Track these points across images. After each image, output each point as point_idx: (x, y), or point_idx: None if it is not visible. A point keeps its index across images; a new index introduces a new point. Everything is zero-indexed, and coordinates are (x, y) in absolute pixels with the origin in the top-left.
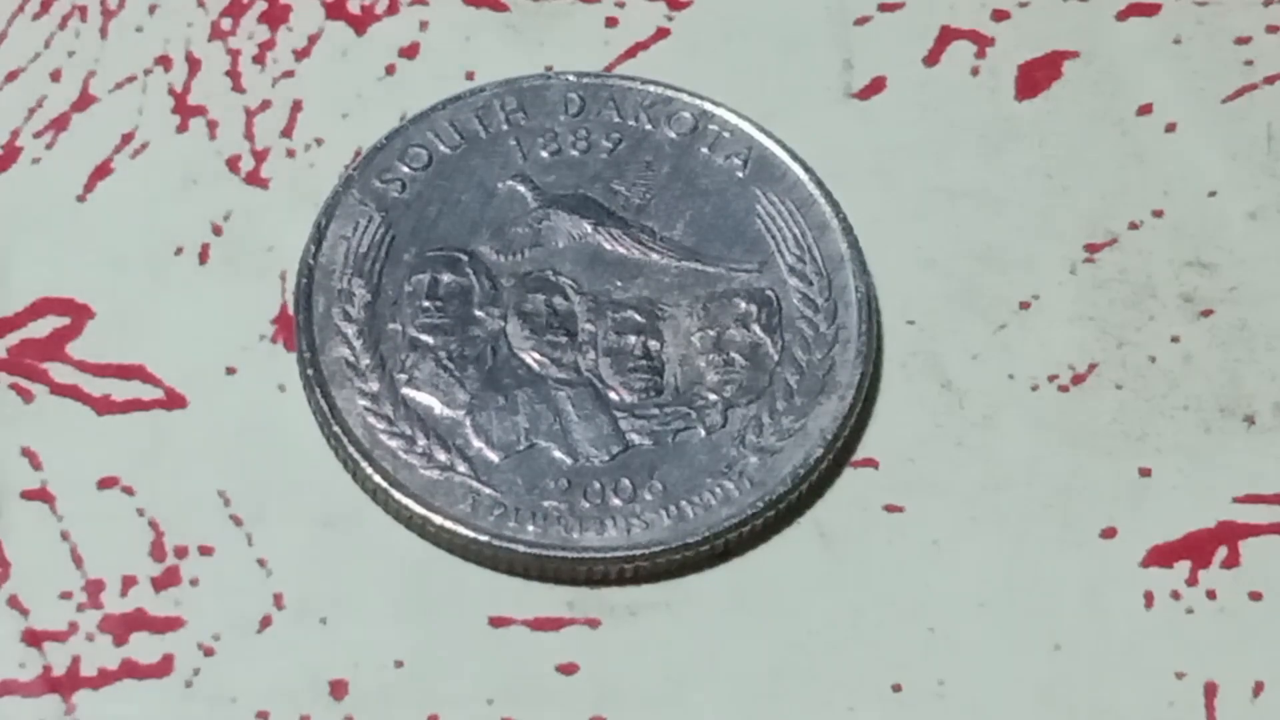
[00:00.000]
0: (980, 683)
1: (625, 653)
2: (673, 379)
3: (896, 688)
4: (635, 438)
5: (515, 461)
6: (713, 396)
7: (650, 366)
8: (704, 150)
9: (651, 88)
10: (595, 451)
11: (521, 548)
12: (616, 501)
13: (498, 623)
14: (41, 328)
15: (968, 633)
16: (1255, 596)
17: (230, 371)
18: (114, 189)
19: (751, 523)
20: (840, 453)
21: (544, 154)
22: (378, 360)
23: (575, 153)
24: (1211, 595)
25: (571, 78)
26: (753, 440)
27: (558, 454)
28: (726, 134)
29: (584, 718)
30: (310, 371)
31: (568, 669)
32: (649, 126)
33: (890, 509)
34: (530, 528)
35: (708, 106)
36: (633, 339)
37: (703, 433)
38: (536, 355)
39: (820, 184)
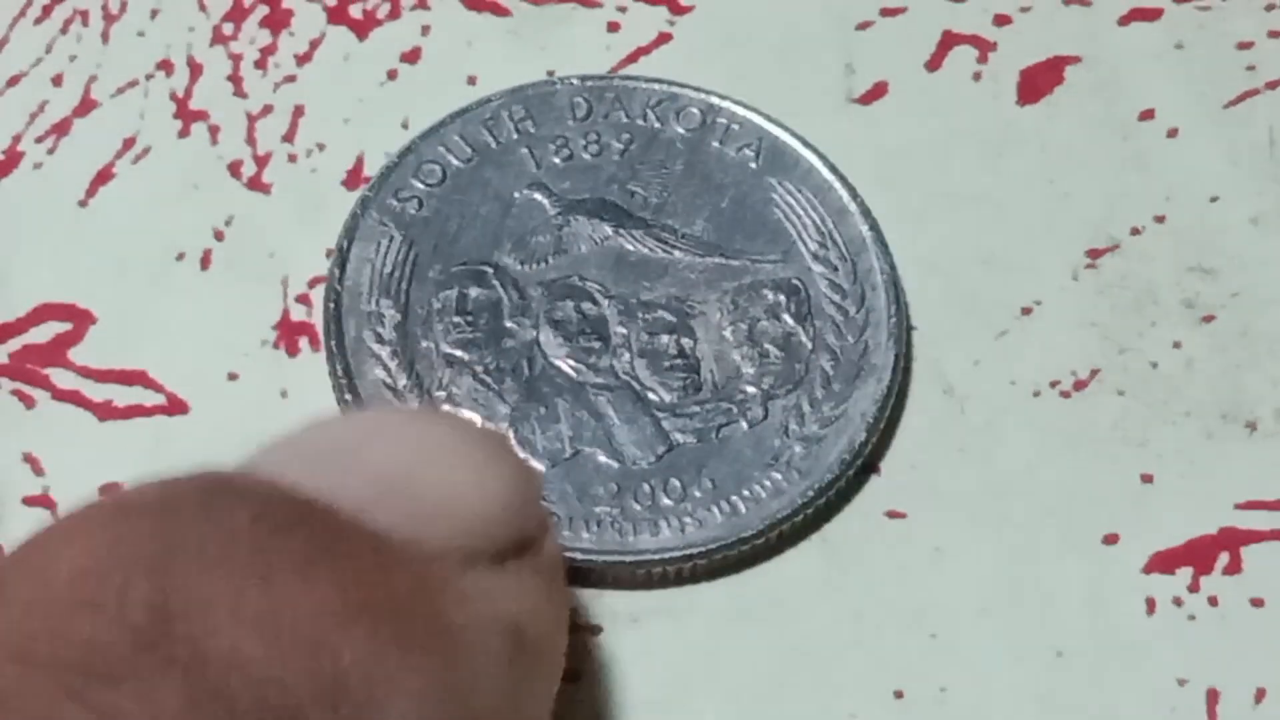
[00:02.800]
0: (982, 689)
1: (627, 660)
2: (709, 375)
3: (898, 694)
4: (679, 437)
5: (563, 470)
6: (751, 389)
7: (686, 364)
8: (715, 144)
9: (656, 85)
10: (641, 453)
11: (579, 555)
12: (668, 502)
13: None
14: (43, 333)
15: (969, 639)
16: (1257, 603)
17: (232, 377)
18: (116, 194)
19: (803, 511)
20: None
21: (556, 160)
22: (414, 380)
23: (588, 156)
24: (1213, 602)
25: (575, 81)
26: (795, 429)
27: (604, 459)
28: (736, 126)
29: None
30: (348, 397)
31: (569, 676)
32: (658, 124)
33: (892, 515)
34: (585, 535)
35: (714, 100)
36: (665, 338)
37: (745, 426)
38: (572, 362)
39: (834, 169)
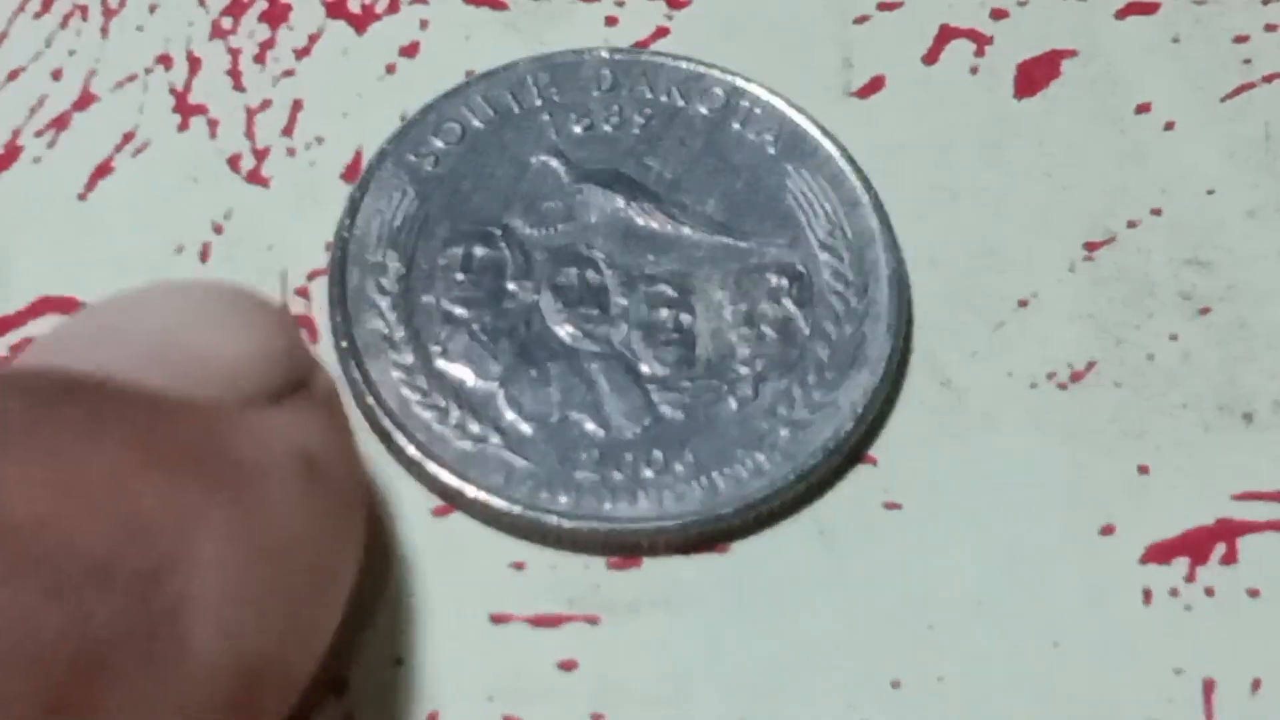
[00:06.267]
0: (979, 679)
1: (626, 649)
2: (704, 352)
3: (895, 684)
4: (667, 410)
5: (548, 433)
6: (744, 369)
7: (682, 339)
8: (736, 126)
9: (683, 64)
10: (627, 424)
11: (554, 519)
12: (648, 473)
13: (498, 619)
14: (42, 326)
15: (967, 630)
16: (1253, 593)
17: None
18: (115, 188)
19: (783, 495)
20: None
21: (576, 129)
22: (412, 333)
23: (608, 128)
24: (1210, 592)
25: (604, 54)
26: (784, 413)
27: (590, 426)
28: (758, 110)
29: (584, 715)
30: (345, 344)
31: (568, 665)
32: (681, 102)
33: (889, 506)
34: (563, 498)
35: (739, 83)
36: (664, 312)
37: (734, 405)
38: (569, 328)
39: (851, 160)
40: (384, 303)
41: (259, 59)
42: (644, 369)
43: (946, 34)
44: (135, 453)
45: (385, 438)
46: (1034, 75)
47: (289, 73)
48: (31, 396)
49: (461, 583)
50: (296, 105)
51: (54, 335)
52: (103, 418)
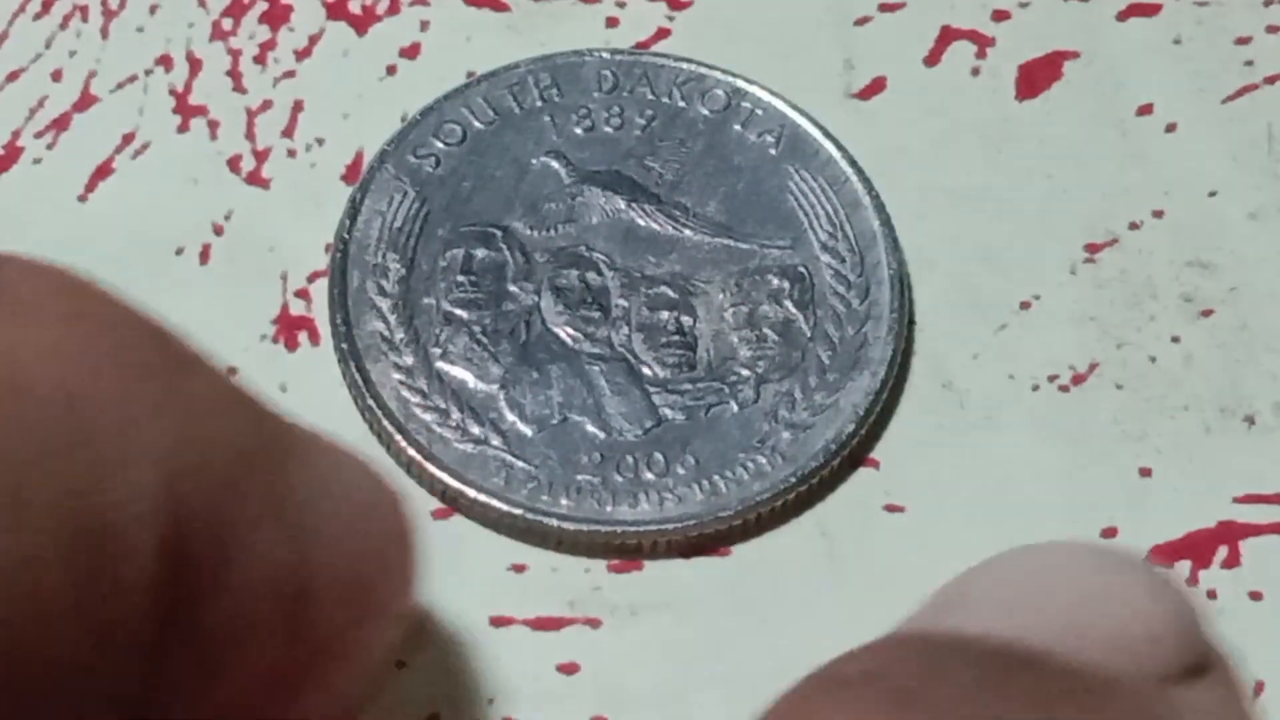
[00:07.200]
0: None
1: (626, 652)
2: (705, 354)
3: None
4: (668, 412)
5: (549, 435)
6: (745, 372)
7: (683, 342)
8: (737, 127)
9: (684, 65)
10: (628, 426)
11: (555, 521)
12: (649, 475)
13: (498, 622)
14: None
15: None
16: (1255, 596)
17: (231, 372)
18: (115, 189)
19: (784, 497)
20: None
21: (578, 130)
22: (412, 334)
23: (609, 129)
24: (1212, 595)
25: (605, 55)
26: (785, 415)
27: (591, 428)
28: (759, 111)
29: (585, 717)
30: (345, 345)
31: (569, 668)
32: (682, 104)
33: (891, 509)
34: (564, 501)
35: (740, 84)
36: (665, 314)
37: (735, 408)
38: (570, 330)
39: (853, 162)
40: (384, 304)
41: (259, 60)
42: (645, 371)
43: (948, 35)
44: None
45: (385, 440)
46: (1035, 76)
47: (289, 74)
48: (978, 667)
49: (462, 585)
50: (297, 106)
51: (964, 594)
52: (1047, 694)
